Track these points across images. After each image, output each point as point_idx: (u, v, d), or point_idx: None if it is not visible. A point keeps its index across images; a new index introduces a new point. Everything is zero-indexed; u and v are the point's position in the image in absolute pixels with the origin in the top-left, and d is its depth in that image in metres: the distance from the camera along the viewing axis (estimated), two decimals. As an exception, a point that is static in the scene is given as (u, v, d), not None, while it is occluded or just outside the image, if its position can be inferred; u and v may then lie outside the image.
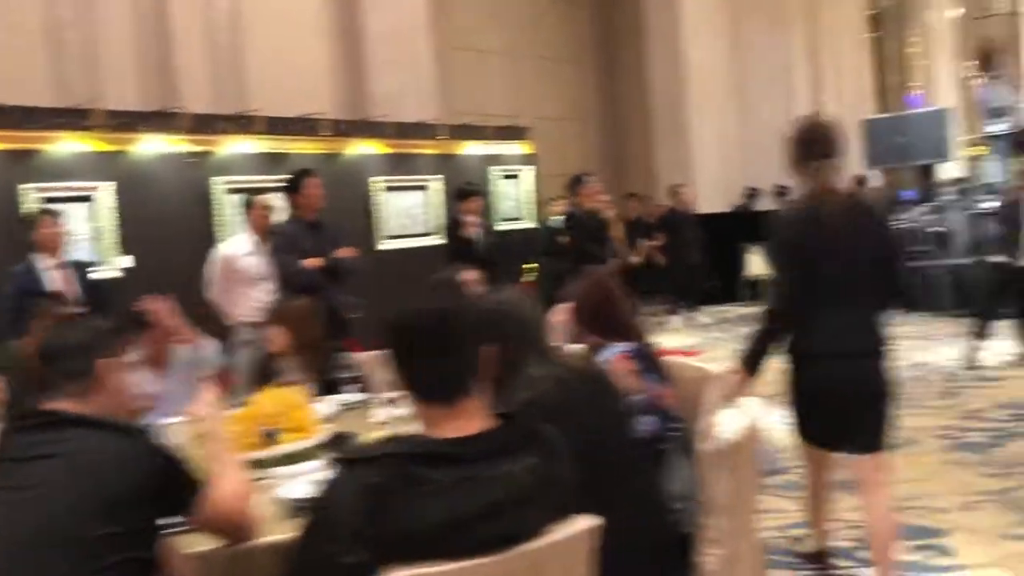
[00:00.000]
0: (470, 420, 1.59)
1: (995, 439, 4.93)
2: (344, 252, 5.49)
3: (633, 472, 2.19)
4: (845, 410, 3.02)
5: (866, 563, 3.48)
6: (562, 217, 8.02)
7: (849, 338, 3.01)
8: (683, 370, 3.04)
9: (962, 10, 13.96)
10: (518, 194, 9.89)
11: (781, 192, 12.93)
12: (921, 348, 7.76)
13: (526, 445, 1.60)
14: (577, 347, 2.87)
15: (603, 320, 2.86)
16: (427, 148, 8.82)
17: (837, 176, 3.11)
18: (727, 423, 2.55)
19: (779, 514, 3.98)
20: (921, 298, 9.63)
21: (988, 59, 14.74)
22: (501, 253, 7.40)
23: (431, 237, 8.57)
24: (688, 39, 12.98)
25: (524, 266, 9.02)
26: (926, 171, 12.08)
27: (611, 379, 2.30)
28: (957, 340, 7.24)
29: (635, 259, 10.07)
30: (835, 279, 3.01)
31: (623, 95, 13.96)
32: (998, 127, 10.07)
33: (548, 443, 1.64)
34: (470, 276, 3.97)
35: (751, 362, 3.09)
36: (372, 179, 8.30)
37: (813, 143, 3.10)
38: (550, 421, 1.70)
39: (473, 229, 6.80)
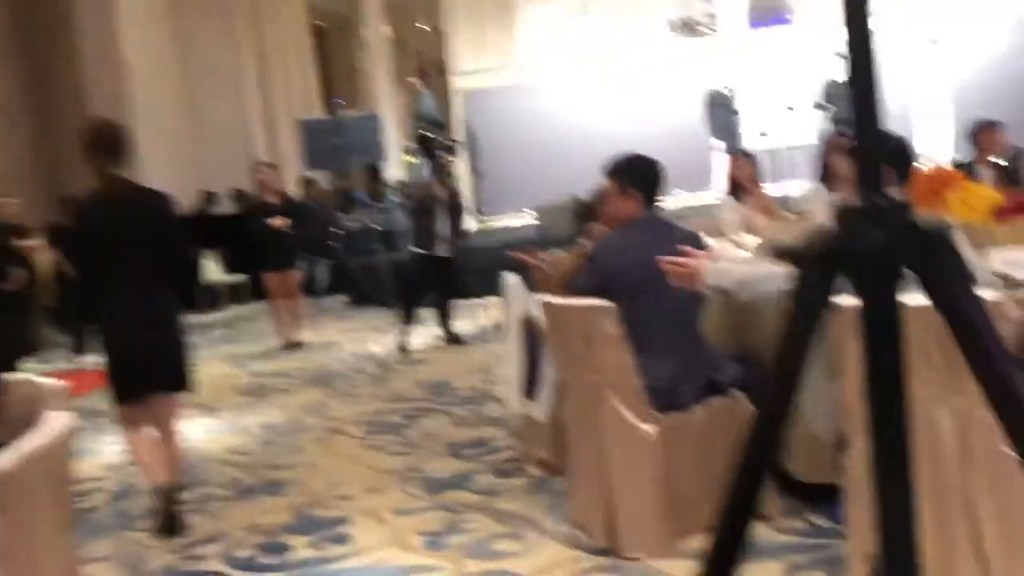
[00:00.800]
0: None
1: (409, 419, 5.23)
2: None
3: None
4: (150, 366, 3.64)
5: (265, 568, 3.38)
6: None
7: (144, 311, 3.58)
8: (20, 387, 2.64)
9: (390, 27, 15.14)
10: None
11: (240, 195, 12.70)
12: (363, 339, 8.13)
13: None
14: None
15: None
16: None
17: (124, 173, 3.62)
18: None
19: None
20: (370, 292, 10.17)
21: (425, 71, 16.22)
22: None
23: None
24: (125, 39, 12.17)
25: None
26: (374, 173, 12.86)
27: None
28: (396, 329, 7.67)
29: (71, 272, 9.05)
30: (125, 263, 3.53)
31: (55, 92, 12.51)
32: (428, 133, 11.09)
33: None
34: None
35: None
36: None
37: (99, 144, 3.56)
38: None
39: None
